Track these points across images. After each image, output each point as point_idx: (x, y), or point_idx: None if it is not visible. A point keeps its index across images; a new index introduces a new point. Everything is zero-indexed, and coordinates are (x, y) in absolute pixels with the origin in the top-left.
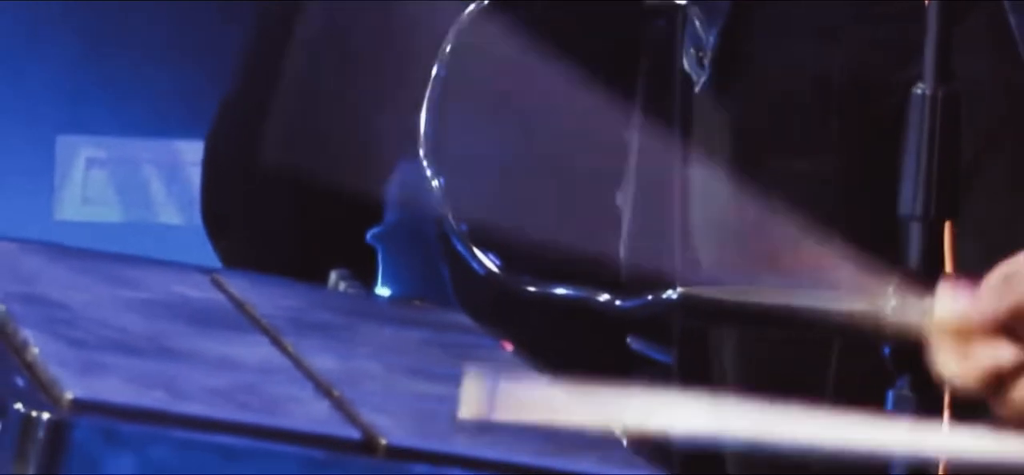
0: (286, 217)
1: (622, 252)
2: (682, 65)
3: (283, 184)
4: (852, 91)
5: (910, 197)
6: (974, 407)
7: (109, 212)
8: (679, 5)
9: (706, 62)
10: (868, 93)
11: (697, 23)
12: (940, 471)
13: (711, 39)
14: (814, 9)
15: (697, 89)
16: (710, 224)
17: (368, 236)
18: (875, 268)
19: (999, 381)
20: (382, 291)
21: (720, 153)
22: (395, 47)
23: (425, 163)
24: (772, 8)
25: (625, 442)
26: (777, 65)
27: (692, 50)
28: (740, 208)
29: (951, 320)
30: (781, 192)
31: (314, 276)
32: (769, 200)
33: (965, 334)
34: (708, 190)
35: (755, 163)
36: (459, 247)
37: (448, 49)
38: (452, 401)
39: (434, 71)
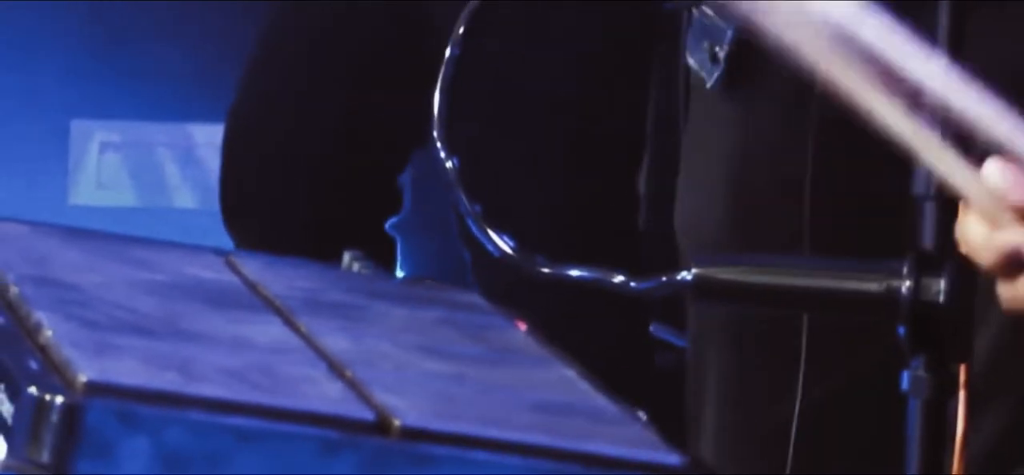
0: (304, 204)
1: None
2: (686, 61)
3: (302, 170)
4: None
5: (924, 176)
6: (986, 395)
7: (123, 196)
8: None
9: (722, 57)
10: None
11: (714, 16)
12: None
13: (729, 34)
14: None
15: (709, 85)
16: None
17: (388, 225)
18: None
19: (1017, 267)
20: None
21: (724, 152)
22: (413, 29)
23: (438, 145)
24: None
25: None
26: (793, 66)
27: (705, 44)
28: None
29: (990, 192)
30: (779, 197)
31: (330, 260)
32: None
33: (998, 210)
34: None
35: (754, 165)
36: (473, 229)
37: (461, 30)
38: (466, 381)
39: (447, 52)
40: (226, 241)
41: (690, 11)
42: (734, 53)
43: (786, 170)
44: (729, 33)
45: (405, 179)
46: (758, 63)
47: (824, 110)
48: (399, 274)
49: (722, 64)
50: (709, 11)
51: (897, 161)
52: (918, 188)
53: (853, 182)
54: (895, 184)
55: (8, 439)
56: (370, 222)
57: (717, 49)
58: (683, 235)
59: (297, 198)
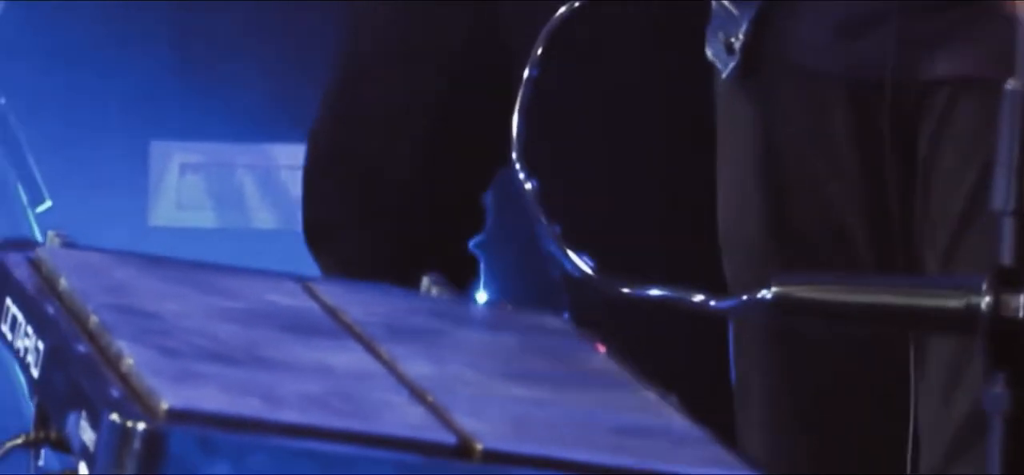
0: (388, 225)
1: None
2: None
3: (385, 190)
4: (879, 87)
5: (1003, 191)
6: None
7: (203, 217)
8: None
9: (737, 48)
10: (898, 88)
11: (730, 5)
12: None
13: (745, 24)
14: (849, 4)
15: (724, 76)
16: (732, 232)
17: (471, 244)
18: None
19: None
20: (483, 297)
21: (744, 147)
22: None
23: (517, 166)
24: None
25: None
26: (810, 57)
27: (720, 35)
28: (762, 217)
29: None
30: (806, 192)
31: (414, 282)
32: (793, 202)
33: None
34: (731, 196)
35: (779, 159)
36: (553, 250)
37: (539, 51)
38: (547, 404)
39: (526, 73)
40: (307, 261)
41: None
42: (750, 43)
43: (813, 165)
44: (744, 23)
45: (488, 197)
46: (774, 53)
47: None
48: (483, 294)
49: (737, 55)
50: (726, 1)
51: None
52: (997, 203)
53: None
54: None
55: (90, 466)
56: (454, 242)
57: (732, 40)
58: (725, 241)
59: (381, 220)
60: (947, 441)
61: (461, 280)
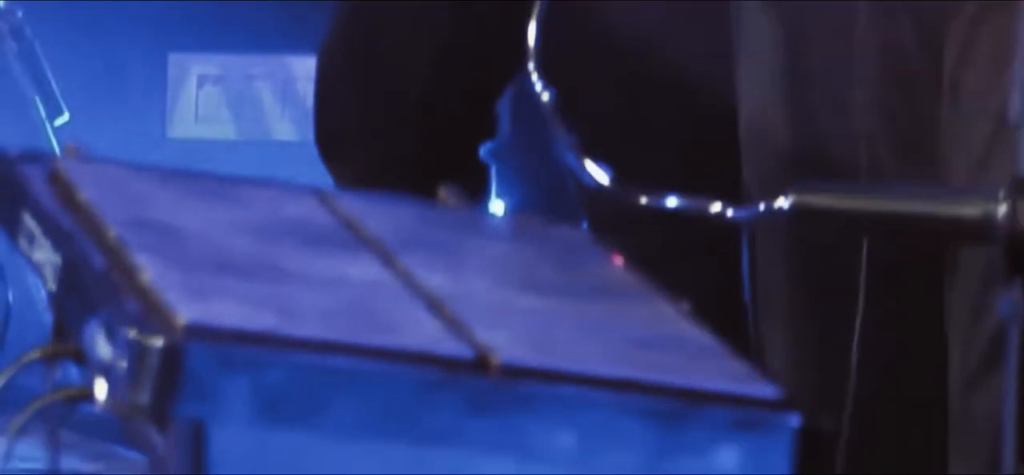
0: (401, 134)
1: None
2: None
3: (398, 99)
4: (905, 8)
5: (1019, 104)
6: None
7: (222, 129)
8: None
9: None
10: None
11: None
12: None
13: None
14: None
15: None
16: (754, 142)
17: (482, 151)
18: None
19: None
20: (497, 206)
21: (767, 59)
22: None
23: (534, 77)
24: None
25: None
26: None
27: None
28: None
29: None
30: (829, 101)
31: (428, 192)
32: (816, 111)
33: None
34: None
35: (803, 70)
36: (569, 160)
37: None
38: (565, 317)
39: None
40: (325, 172)
41: None
42: None
43: (837, 73)
44: None
45: (503, 103)
46: None
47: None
48: (496, 201)
49: None
50: None
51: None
52: (1015, 117)
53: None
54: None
55: (108, 380)
56: (467, 152)
57: None
58: (747, 150)
59: (394, 130)
60: (977, 354)
61: (474, 189)
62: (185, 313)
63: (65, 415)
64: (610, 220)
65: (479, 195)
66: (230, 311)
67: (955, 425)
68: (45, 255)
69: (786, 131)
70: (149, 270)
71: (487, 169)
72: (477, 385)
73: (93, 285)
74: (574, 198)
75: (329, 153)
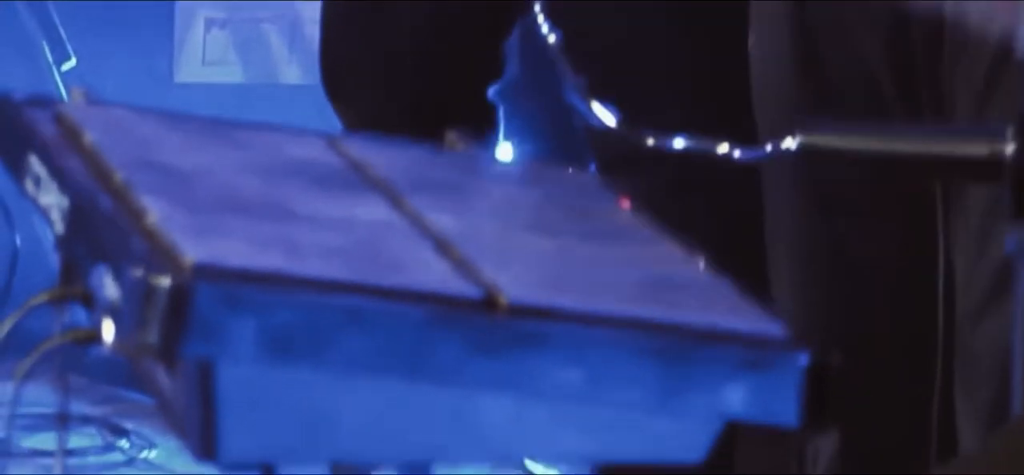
0: (407, 75)
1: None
2: None
3: (404, 39)
4: None
5: None
6: None
7: (230, 73)
8: None
9: None
10: None
11: None
12: None
13: None
14: None
15: None
16: (763, 84)
17: (490, 92)
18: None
19: None
20: (505, 148)
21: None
22: None
23: (541, 18)
24: None
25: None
26: None
27: None
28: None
29: None
30: (837, 43)
31: (434, 134)
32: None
33: None
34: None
35: (811, 11)
36: (577, 102)
37: None
38: (572, 257)
39: None
40: (334, 116)
41: None
42: None
43: (845, 15)
44: None
45: (510, 44)
46: None
47: None
48: (503, 143)
49: None
50: None
51: None
52: (1019, 47)
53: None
54: None
55: (116, 321)
56: (473, 92)
57: None
58: (756, 92)
59: (400, 70)
60: (981, 289)
61: (481, 131)
62: (192, 253)
63: (73, 358)
64: (617, 161)
65: (486, 136)
66: (237, 251)
67: (960, 360)
68: (52, 198)
69: (794, 71)
70: (156, 211)
71: (494, 110)
72: (484, 324)
73: (100, 227)
74: (581, 139)
75: (335, 94)
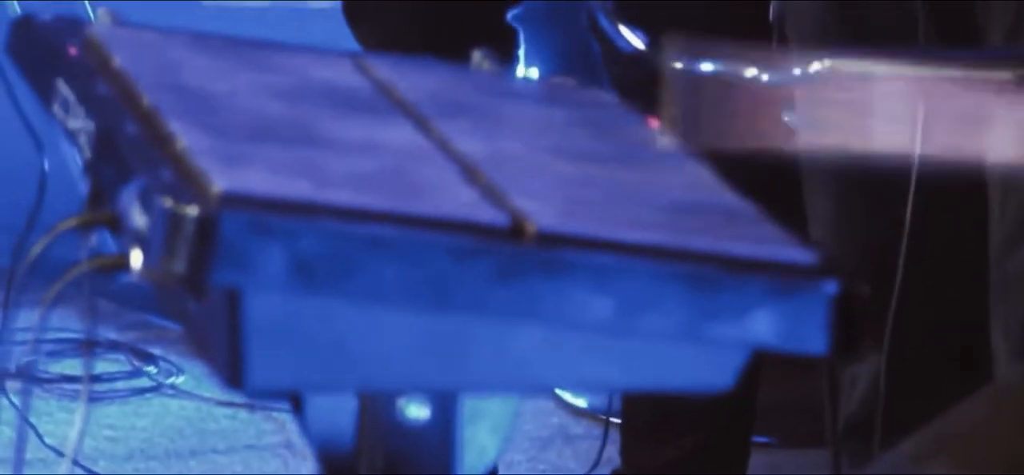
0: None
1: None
2: None
3: None
4: None
5: None
6: None
7: None
8: None
9: None
10: None
11: None
12: None
13: None
14: None
15: None
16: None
17: (509, 16)
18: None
19: None
20: (525, 71)
21: None
22: None
23: None
24: None
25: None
26: None
27: None
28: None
29: None
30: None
31: (455, 56)
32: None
33: None
34: None
35: None
36: (605, 24)
37: None
38: (600, 182)
39: None
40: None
41: None
42: None
43: None
44: None
45: None
46: None
47: None
48: (522, 67)
49: None
50: None
51: None
52: None
53: None
54: None
55: (143, 249)
56: (494, 14)
57: None
58: (788, 18)
59: None
60: (1012, 218)
61: (502, 52)
62: (220, 181)
63: (101, 284)
64: (636, 84)
65: (507, 60)
66: (264, 179)
67: (994, 285)
68: (79, 122)
69: (829, 8)
70: (183, 137)
71: (515, 34)
72: (512, 252)
73: (127, 153)
74: (599, 63)
75: (355, 16)
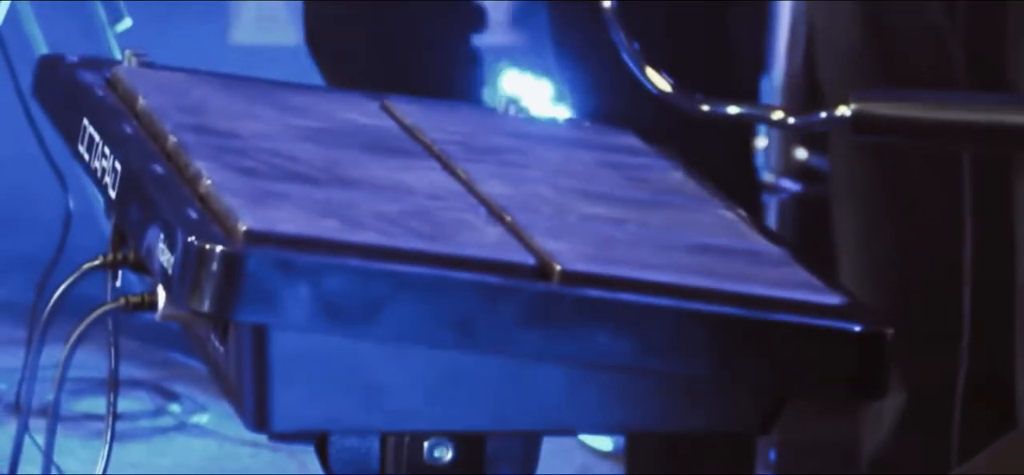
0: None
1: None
2: None
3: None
4: None
5: None
6: None
7: (284, 35)
8: None
9: None
10: None
11: None
12: None
13: None
14: None
15: None
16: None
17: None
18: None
19: None
20: (559, 110)
21: None
22: None
23: None
24: None
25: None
26: None
27: None
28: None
29: None
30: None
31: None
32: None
33: None
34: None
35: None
36: (632, 67)
37: None
38: (626, 224)
39: None
40: None
41: None
42: None
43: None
44: None
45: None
46: None
47: None
48: (557, 104)
49: None
50: None
51: None
52: None
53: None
54: None
55: (168, 288)
56: (458, 42)
57: None
58: (819, 49)
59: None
60: None
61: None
62: (246, 219)
63: (124, 321)
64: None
65: (475, 87)
66: (290, 217)
67: (1019, 325)
68: (105, 162)
69: (856, 33)
70: (209, 177)
71: (480, 60)
72: (537, 292)
73: (153, 192)
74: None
75: (318, 46)
